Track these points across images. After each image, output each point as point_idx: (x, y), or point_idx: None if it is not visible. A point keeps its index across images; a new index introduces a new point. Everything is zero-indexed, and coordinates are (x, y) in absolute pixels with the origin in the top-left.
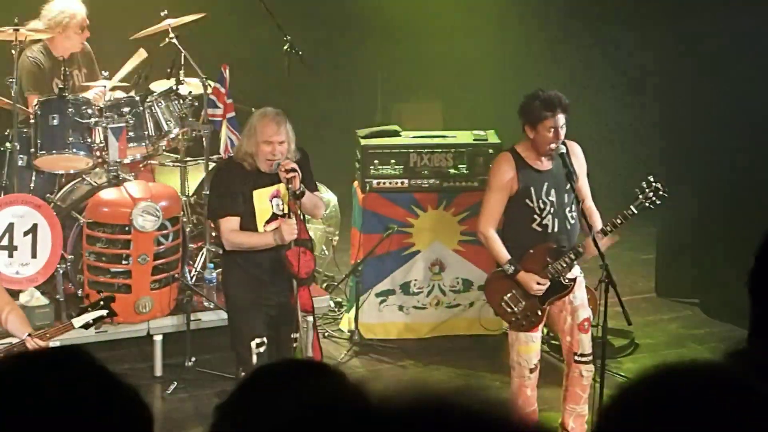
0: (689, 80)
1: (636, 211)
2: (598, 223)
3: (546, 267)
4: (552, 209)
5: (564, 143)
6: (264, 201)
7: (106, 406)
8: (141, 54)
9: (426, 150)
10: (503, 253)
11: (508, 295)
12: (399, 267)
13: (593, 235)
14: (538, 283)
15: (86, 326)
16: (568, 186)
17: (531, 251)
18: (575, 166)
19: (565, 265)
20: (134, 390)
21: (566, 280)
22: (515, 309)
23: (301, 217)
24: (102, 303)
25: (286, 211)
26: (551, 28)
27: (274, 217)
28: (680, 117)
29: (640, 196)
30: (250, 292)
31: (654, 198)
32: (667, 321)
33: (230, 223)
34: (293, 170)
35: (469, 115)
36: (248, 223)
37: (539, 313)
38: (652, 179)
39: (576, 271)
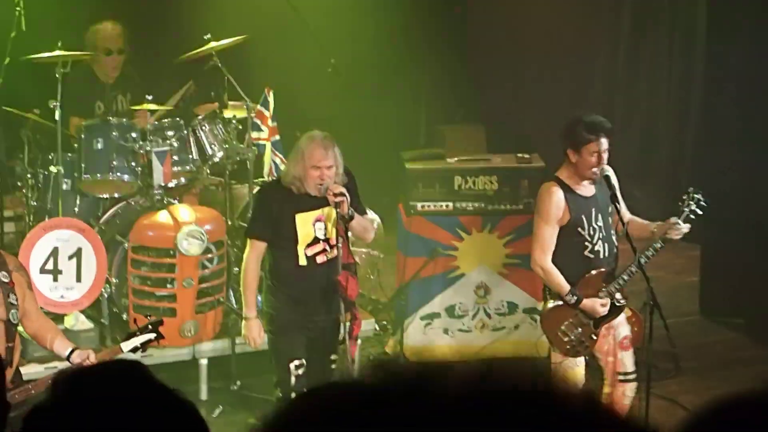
0: (734, 97)
1: (681, 224)
2: (651, 225)
3: (601, 290)
4: (601, 234)
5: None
6: (307, 225)
7: (166, 421)
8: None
9: (470, 173)
10: (564, 285)
11: (566, 323)
12: (444, 290)
13: (638, 258)
14: (602, 305)
15: (134, 350)
16: (611, 209)
17: (586, 277)
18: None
19: (618, 287)
20: (192, 405)
21: (619, 302)
22: (571, 336)
23: (349, 240)
24: (150, 327)
25: (330, 235)
26: (593, 50)
27: (316, 240)
28: (724, 134)
29: (685, 209)
30: (291, 313)
31: (696, 208)
32: (712, 344)
33: (254, 248)
34: (342, 194)
35: (512, 138)
36: (288, 246)
37: (593, 337)
38: (691, 190)
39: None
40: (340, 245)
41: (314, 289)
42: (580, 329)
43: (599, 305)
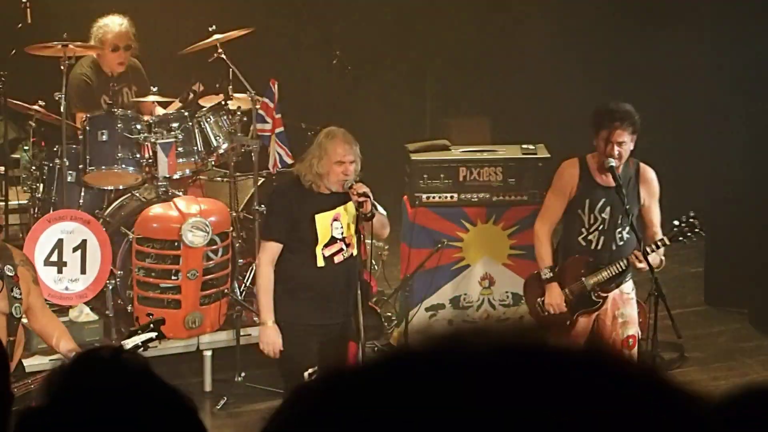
0: (740, 90)
1: (668, 243)
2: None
3: (578, 279)
4: (602, 226)
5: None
6: (325, 225)
7: (159, 413)
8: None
9: (475, 164)
10: (546, 257)
11: (542, 299)
12: (449, 281)
13: (642, 249)
14: (557, 304)
15: (135, 348)
16: (628, 207)
17: (568, 261)
18: (643, 190)
19: (600, 280)
20: (191, 403)
21: (596, 296)
22: (547, 313)
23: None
24: (152, 326)
25: (345, 234)
26: (600, 42)
27: (333, 240)
28: (731, 125)
29: (675, 230)
30: (306, 318)
31: (689, 233)
32: (716, 334)
33: (269, 250)
34: (365, 194)
35: (517, 130)
36: (307, 246)
37: (567, 323)
38: (692, 214)
39: (628, 287)
40: (361, 242)
41: (333, 290)
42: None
43: (556, 301)
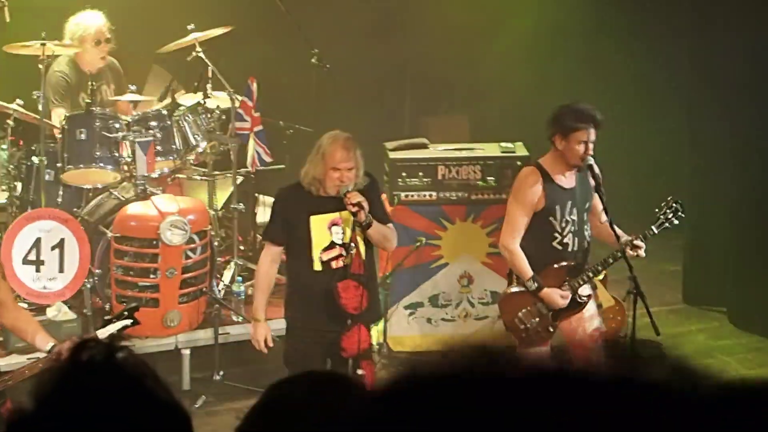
0: (719, 92)
1: (656, 231)
2: (623, 237)
3: (563, 284)
4: (573, 228)
5: None
6: (321, 228)
7: (145, 411)
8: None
9: (454, 162)
10: (527, 270)
11: (523, 310)
12: (427, 279)
13: (622, 247)
14: (562, 296)
15: (111, 338)
16: (588, 204)
17: (549, 268)
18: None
19: (582, 283)
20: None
21: (581, 298)
22: (528, 325)
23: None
24: (126, 313)
25: (346, 241)
26: (579, 42)
27: (332, 245)
28: (709, 125)
29: (661, 216)
30: (307, 321)
31: (672, 218)
32: (695, 332)
33: (269, 251)
34: (358, 204)
35: (495, 128)
36: (302, 250)
37: (550, 329)
38: (671, 199)
39: (587, 286)
40: (352, 252)
41: (330, 297)
42: (537, 319)
43: (559, 297)
